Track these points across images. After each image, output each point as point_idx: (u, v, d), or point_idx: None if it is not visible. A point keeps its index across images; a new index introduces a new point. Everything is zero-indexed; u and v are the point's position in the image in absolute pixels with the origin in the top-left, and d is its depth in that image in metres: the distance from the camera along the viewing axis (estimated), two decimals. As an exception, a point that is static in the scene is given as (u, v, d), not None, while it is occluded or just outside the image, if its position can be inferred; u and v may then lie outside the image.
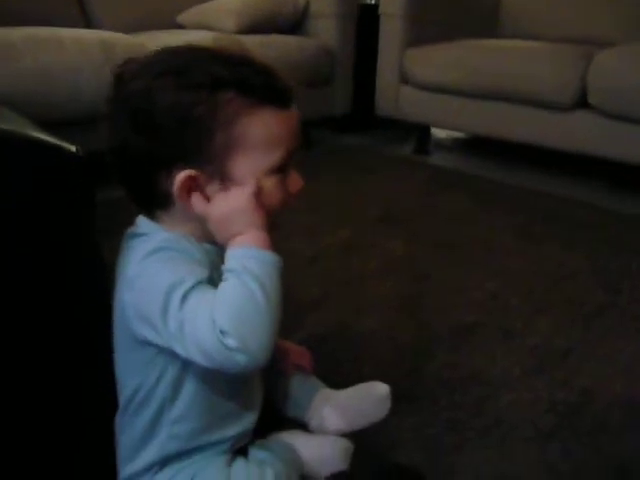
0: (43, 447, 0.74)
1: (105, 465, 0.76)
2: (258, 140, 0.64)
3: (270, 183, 0.67)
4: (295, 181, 0.70)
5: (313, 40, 2.51)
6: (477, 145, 2.87)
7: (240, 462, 0.74)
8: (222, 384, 0.72)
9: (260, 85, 0.63)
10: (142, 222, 0.70)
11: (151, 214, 0.70)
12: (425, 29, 2.50)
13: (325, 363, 1.08)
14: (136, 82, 0.63)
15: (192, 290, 0.60)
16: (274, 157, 0.66)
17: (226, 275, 0.62)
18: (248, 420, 0.79)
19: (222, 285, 0.61)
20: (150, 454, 0.72)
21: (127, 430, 0.74)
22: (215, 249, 0.70)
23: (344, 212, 1.88)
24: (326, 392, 0.95)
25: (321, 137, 2.83)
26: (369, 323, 1.24)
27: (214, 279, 0.64)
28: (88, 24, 2.40)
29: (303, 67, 2.41)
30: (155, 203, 0.68)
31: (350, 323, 1.24)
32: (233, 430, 0.76)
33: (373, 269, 1.49)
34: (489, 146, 2.70)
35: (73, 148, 0.63)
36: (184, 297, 0.60)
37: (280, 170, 0.67)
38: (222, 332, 0.58)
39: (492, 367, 1.11)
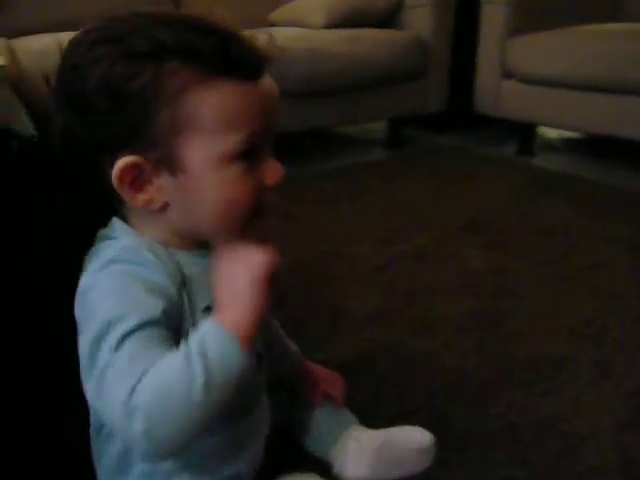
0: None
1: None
2: (212, 119, 0.52)
3: (233, 171, 0.54)
4: (273, 171, 0.56)
5: (406, 32, 2.34)
6: (591, 146, 2.54)
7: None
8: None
9: (214, 53, 0.51)
10: (115, 223, 0.59)
11: (119, 213, 0.59)
12: (531, 16, 2.24)
13: (365, 390, 0.93)
14: (67, 56, 0.53)
15: (130, 335, 0.49)
16: (234, 140, 0.53)
17: (182, 346, 0.50)
18: (244, 460, 0.66)
19: (169, 355, 0.49)
20: (137, 466, 0.61)
21: (104, 457, 0.64)
22: (188, 257, 0.58)
23: (425, 218, 1.69)
24: (357, 430, 0.81)
25: (413, 136, 2.64)
26: (428, 345, 1.06)
27: (175, 304, 0.54)
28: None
29: (394, 61, 2.25)
30: (114, 200, 0.57)
31: (406, 343, 1.07)
32: (223, 471, 0.64)
33: (447, 283, 1.30)
34: (605, 147, 2.37)
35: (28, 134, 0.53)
36: (120, 341, 0.48)
37: (246, 156, 0.54)
38: (134, 407, 0.46)
39: (575, 414, 0.89)
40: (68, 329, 0.54)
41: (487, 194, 1.89)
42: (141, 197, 0.54)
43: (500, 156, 2.38)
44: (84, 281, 0.55)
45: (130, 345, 0.48)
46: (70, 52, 0.53)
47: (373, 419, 0.82)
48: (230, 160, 0.53)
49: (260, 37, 0.54)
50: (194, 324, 0.56)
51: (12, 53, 1.58)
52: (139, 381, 0.47)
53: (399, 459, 0.79)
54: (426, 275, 1.33)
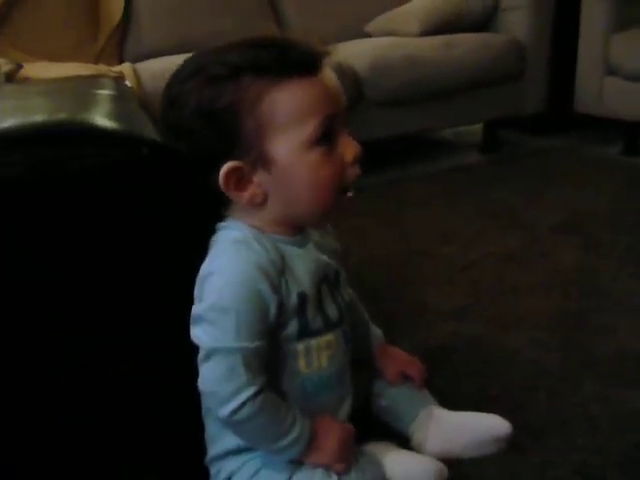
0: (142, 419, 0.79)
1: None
2: (287, 114, 0.62)
3: (316, 155, 0.64)
4: (349, 147, 0.66)
5: (501, 35, 2.34)
6: None
7: (307, 467, 0.71)
8: (286, 386, 0.71)
9: (275, 61, 0.62)
10: (227, 218, 0.72)
11: (228, 211, 0.71)
12: (635, 9, 2.16)
13: (446, 377, 0.99)
14: (166, 93, 0.66)
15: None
16: (310, 127, 0.63)
17: (291, 414, 0.68)
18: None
19: (279, 403, 0.68)
20: (228, 441, 0.73)
21: (209, 414, 0.75)
22: (289, 245, 0.69)
23: (518, 220, 1.70)
24: (436, 409, 0.86)
25: (512, 139, 2.61)
26: (512, 340, 1.10)
27: (276, 287, 0.66)
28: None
29: (489, 64, 2.26)
30: (220, 205, 0.70)
31: (490, 339, 1.11)
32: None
33: (535, 282, 1.32)
34: None
35: (151, 139, 0.66)
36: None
37: (324, 140, 0.64)
38: (235, 410, 0.63)
39: (658, 409, 0.89)
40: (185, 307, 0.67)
41: (585, 196, 1.85)
42: (245, 195, 0.66)
43: (603, 157, 2.30)
44: (207, 265, 0.67)
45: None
46: (167, 90, 0.66)
47: (452, 404, 0.88)
48: (311, 145, 0.63)
49: (312, 38, 0.65)
50: (289, 306, 0.67)
51: (137, 76, 1.79)
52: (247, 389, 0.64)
53: (475, 442, 0.83)
54: (514, 274, 1.36)
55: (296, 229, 0.71)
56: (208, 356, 0.64)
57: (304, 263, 0.69)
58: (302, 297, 0.68)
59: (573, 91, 2.36)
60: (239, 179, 0.65)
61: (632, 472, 0.78)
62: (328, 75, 0.65)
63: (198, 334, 0.65)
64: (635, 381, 0.96)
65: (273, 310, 0.66)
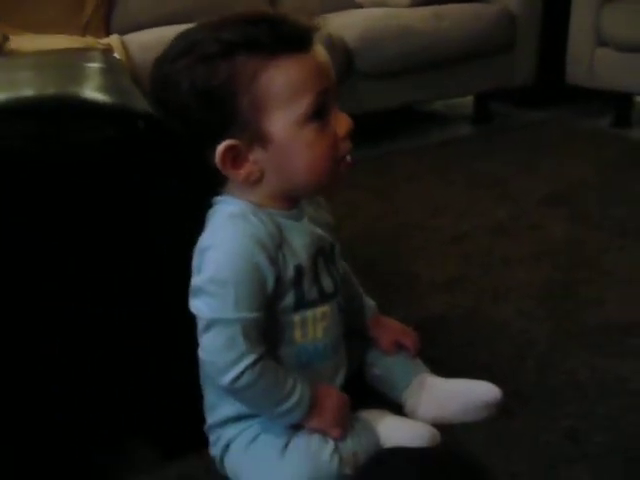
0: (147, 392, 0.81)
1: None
2: (282, 91, 0.63)
3: (310, 131, 0.65)
4: (341, 122, 0.67)
5: (492, 5, 2.32)
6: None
7: (304, 433, 0.73)
8: (282, 355, 0.73)
9: (268, 38, 0.62)
10: (224, 194, 0.72)
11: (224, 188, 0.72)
12: (627, -20, 2.15)
13: (439, 347, 1.01)
14: (157, 72, 0.65)
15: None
16: (304, 103, 0.64)
17: (291, 379, 0.70)
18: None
19: (279, 370, 0.70)
20: (227, 409, 0.75)
21: (208, 382, 0.77)
22: (285, 219, 0.70)
23: (507, 192, 1.71)
24: (428, 377, 0.89)
25: (503, 111, 2.61)
26: (502, 311, 1.12)
27: (273, 259, 0.67)
28: (273, 7, 2.53)
29: (479, 35, 2.24)
30: (220, 178, 0.70)
31: (481, 309, 1.13)
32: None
33: (524, 253, 1.34)
34: None
35: (146, 113, 0.66)
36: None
37: (318, 115, 0.64)
38: (236, 377, 0.66)
39: (645, 376, 0.92)
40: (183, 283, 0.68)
41: (574, 168, 1.87)
42: (242, 172, 0.67)
43: (594, 129, 2.31)
44: (205, 238, 0.68)
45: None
46: (157, 69, 0.66)
47: (444, 373, 0.90)
48: (306, 121, 0.64)
49: (302, 14, 0.66)
50: (286, 278, 0.69)
51: (125, 48, 1.76)
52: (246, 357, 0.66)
53: (467, 408, 0.86)
54: (503, 246, 1.38)
55: (292, 203, 0.72)
56: (208, 327, 0.66)
57: (300, 236, 0.70)
58: (299, 269, 0.70)
59: (564, 63, 2.36)
60: (235, 157, 0.65)
61: (619, 434, 0.81)
62: (319, 50, 0.66)
63: (198, 305, 0.66)
64: (620, 350, 0.99)
65: (271, 282, 0.67)
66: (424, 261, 1.32)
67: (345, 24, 2.14)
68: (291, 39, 0.63)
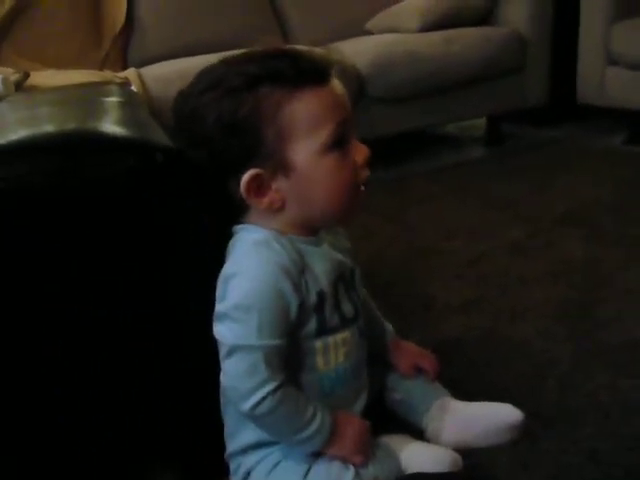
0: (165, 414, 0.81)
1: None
2: (303, 122, 0.65)
3: (331, 160, 0.67)
4: (359, 150, 0.69)
5: (501, 28, 2.35)
6: None
7: (325, 459, 0.73)
8: (305, 383, 0.73)
9: (292, 71, 0.65)
10: (245, 222, 0.73)
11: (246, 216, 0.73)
12: (635, -1, 2.17)
13: (457, 369, 1.00)
14: (184, 106, 0.68)
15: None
16: (325, 133, 0.66)
17: (311, 408, 0.70)
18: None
19: (300, 398, 0.70)
20: (247, 436, 0.75)
21: (228, 409, 0.77)
22: (306, 245, 0.72)
23: (522, 211, 1.71)
24: (449, 401, 0.88)
25: (515, 132, 2.62)
26: (520, 331, 1.12)
27: (297, 286, 0.68)
28: (285, 36, 2.58)
29: (490, 58, 2.27)
30: (237, 211, 0.72)
31: (498, 330, 1.13)
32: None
33: (541, 273, 1.33)
34: None
35: (164, 145, 0.68)
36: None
37: (338, 144, 0.67)
38: (257, 403, 0.66)
39: (668, 396, 0.91)
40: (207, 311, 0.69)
41: (588, 186, 1.86)
42: (265, 201, 0.68)
43: (606, 147, 2.31)
44: (229, 266, 0.69)
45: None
46: (183, 103, 0.69)
47: (463, 395, 0.90)
48: (327, 150, 0.66)
49: (319, 50, 0.69)
50: (309, 305, 0.70)
51: (142, 81, 1.81)
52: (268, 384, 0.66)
53: (489, 431, 0.85)
54: (519, 266, 1.37)
55: (312, 231, 0.73)
56: (230, 353, 0.66)
57: (322, 262, 0.71)
58: (321, 296, 0.71)
59: (575, 82, 2.37)
60: (259, 186, 0.67)
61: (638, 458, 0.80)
62: (337, 84, 0.68)
63: (222, 331, 0.67)
64: (643, 369, 0.97)
65: (294, 309, 0.68)
66: (440, 283, 1.32)
67: (356, 51, 2.17)
68: (311, 73, 0.66)
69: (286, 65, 0.65)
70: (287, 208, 0.69)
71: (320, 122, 0.66)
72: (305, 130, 0.65)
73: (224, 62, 0.69)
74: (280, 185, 0.67)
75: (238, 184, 0.67)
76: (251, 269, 0.67)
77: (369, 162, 0.70)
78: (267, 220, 0.70)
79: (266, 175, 0.66)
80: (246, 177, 0.66)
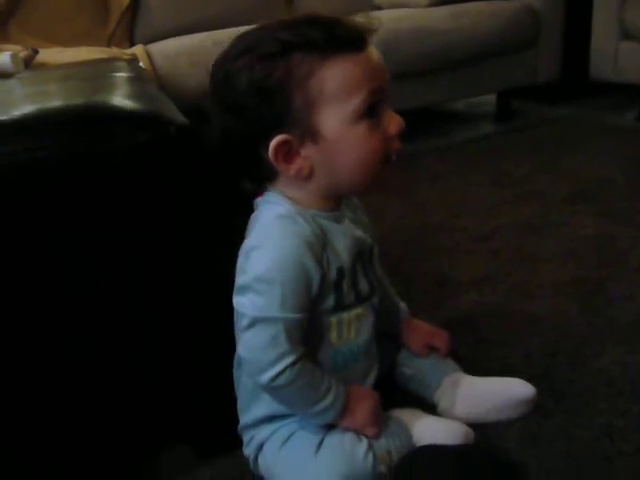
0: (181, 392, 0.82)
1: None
2: (335, 89, 0.64)
3: (362, 128, 0.66)
4: (393, 121, 0.68)
5: (513, 2, 2.30)
6: None
7: (338, 431, 0.73)
8: (320, 357, 0.73)
9: (324, 38, 0.63)
10: (270, 193, 0.73)
11: (263, 189, 0.73)
12: (650, -29, 2.11)
13: (469, 346, 1.01)
14: (218, 72, 0.67)
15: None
16: (357, 101, 0.65)
17: (326, 380, 0.71)
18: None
19: (317, 371, 0.70)
20: (260, 409, 0.76)
21: (241, 383, 0.78)
22: (329, 221, 0.71)
23: (533, 189, 1.70)
24: (461, 376, 0.88)
25: (526, 109, 2.59)
26: (532, 308, 1.11)
27: (319, 261, 0.68)
28: (293, 11, 2.55)
29: (501, 33, 2.23)
30: (265, 177, 0.71)
31: (509, 307, 1.13)
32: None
33: (553, 250, 1.33)
34: None
35: (181, 120, 0.67)
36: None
37: (370, 113, 0.66)
38: (276, 375, 0.66)
39: (680, 371, 0.91)
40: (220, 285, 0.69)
41: (600, 164, 1.84)
42: (293, 167, 0.68)
43: (619, 124, 2.28)
44: (251, 239, 0.69)
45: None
46: (217, 68, 0.68)
47: (474, 372, 0.90)
48: (358, 118, 0.65)
49: (358, 16, 0.67)
50: (329, 281, 0.70)
51: (149, 58, 1.79)
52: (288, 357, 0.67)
53: (500, 406, 0.85)
54: (530, 244, 1.36)
55: (335, 204, 0.72)
56: (252, 324, 0.66)
57: (343, 239, 0.71)
58: (340, 272, 0.71)
59: (587, 58, 2.33)
60: (287, 152, 0.66)
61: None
62: (373, 51, 0.67)
63: (243, 302, 0.67)
64: (655, 345, 0.97)
65: (316, 284, 0.68)
66: (451, 260, 1.32)
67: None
68: (346, 39, 0.65)
69: (319, 32, 0.64)
70: (314, 177, 0.68)
71: (352, 89, 0.65)
72: (336, 97, 0.64)
73: (258, 28, 0.68)
74: (309, 152, 0.67)
75: (268, 150, 0.66)
76: (275, 242, 0.67)
77: (402, 134, 0.69)
78: (294, 189, 0.70)
79: (295, 141, 0.66)
80: (274, 142, 0.65)
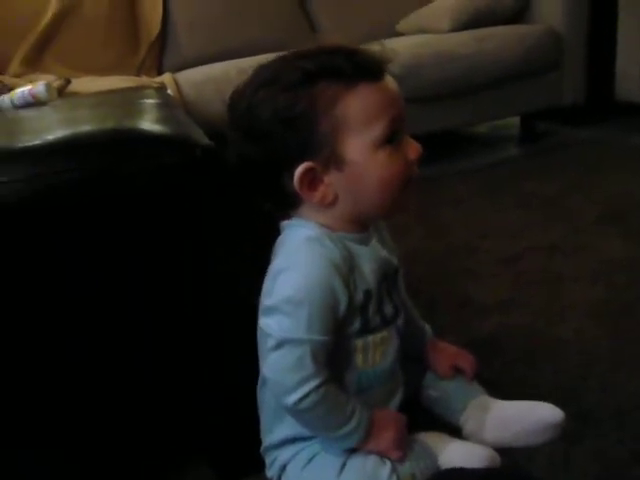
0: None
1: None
2: (358, 116, 0.65)
3: (384, 154, 0.67)
4: (412, 147, 0.69)
5: (536, 26, 2.31)
6: None
7: (361, 454, 0.72)
8: (344, 380, 0.72)
9: (347, 67, 0.64)
10: (296, 218, 0.73)
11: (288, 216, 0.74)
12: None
13: (495, 370, 0.99)
14: (240, 102, 0.68)
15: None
16: (379, 128, 0.66)
17: (350, 404, 0.70)
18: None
19: (341, 395, 0.70)
20: (283, 430, 0.75)
21: (265, 403, 0.77)
22: (355, 244, 0.72)
23: (560, 211, 1.68)
24: (487, 400, 0.86)
25: (550, 131, 2.58)
26: (558, 330, 1.09)
27: (347, 283, 0.68)
28: (316, 39, 2.60)
29: (523, 57, 2.24)
30: (289, 204, 0.72)
31: (535, 328, 1.11)
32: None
33: (580, 272, 1.31)
34: None
35: (206, 143, 0.69)
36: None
37: (391, 140, 0.66)
38: (301, 398, 0.66)
39: None
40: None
41: (626, 186, 1.82)
42: (317, 195, 0.68)
43: (646, 145, 2.25)
44: (279, 262, 0.70)
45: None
46: (238, 98, 0.69)
47: (500, 395, 0.88)
48: (380, 145, 0.66)
49: (374, 46, 0.68)
50: (356, 303, 0.70)
51: (177, 85, 1.84)
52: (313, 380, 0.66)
53: (528, 430, 0.83)
54: (556, 266, 1.35)
55: (362, 227, 0.73)
56: (279, 345, 0.67)
57: (369, 262, 0.72)
58: (367, 295, 0.71)
59: (613, 79, 2.32)
60: (312, 179, 0.67)
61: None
62: (390, 80, 0.68)
63: (270, 324, 0.67)
64: (689, 369, 0.95)
65: (343, 306, 0.68)
66: (475, 282, 1.31)
67: (388, 52, 2.17)
68: (366, 69, 0.66)
69: (341, 61, 0.65)
70: (339, 202, 0.69)
71: (374, 117, 0.66)
72: (359, 125, 0.66)
73: (280, 58, 0.69)
74: (333, 179, 0.67)
75: (291, 178, 0.67)
76: (303, 264, 0.68)
77: (420, 160, 0.70)
78: (318, 215, 0.70)
79: (319, 169, 0.67)
80: (300, 170, 0.66)
